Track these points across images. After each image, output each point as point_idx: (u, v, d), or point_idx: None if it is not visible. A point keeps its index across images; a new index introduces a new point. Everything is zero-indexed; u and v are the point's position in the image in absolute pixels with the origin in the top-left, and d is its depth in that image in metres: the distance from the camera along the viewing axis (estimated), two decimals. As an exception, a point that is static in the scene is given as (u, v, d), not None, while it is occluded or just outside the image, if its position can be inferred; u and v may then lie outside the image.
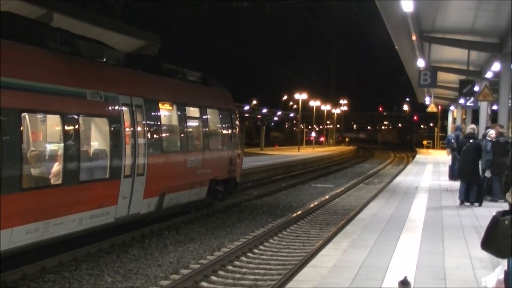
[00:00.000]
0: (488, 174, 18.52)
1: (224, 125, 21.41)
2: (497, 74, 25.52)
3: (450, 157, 27.49)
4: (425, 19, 22.58)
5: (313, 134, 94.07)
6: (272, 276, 12.41)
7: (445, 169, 29.78)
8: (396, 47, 29.73)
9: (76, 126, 12.79)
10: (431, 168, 36.69)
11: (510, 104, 25.48)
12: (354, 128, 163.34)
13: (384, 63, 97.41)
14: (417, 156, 57.68)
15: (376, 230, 13.41)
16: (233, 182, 21.96)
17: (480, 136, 20.42)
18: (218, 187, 20.56)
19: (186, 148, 18.23)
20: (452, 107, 54.75)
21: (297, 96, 72.52)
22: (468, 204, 17.74)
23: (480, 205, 17.60)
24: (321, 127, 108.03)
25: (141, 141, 15.31)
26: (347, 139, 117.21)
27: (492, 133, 18.75)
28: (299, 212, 20.56)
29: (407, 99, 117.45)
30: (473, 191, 17.73)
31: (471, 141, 17.82)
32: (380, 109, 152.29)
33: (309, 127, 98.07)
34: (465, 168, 17.96)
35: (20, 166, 11.03)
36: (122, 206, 14.47)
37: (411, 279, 8.94)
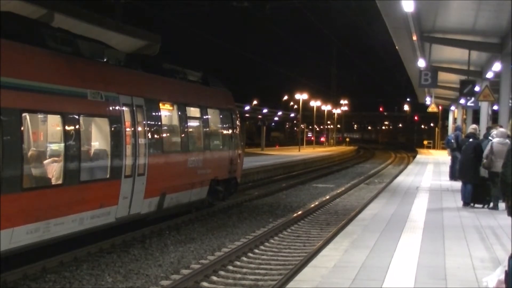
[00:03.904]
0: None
1: (224, 125, 21.41)
2: (497, 74, 25.54)
3: (450, 157, 27.47)
4: (425, 19, 22.58)
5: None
6: (272, 276, 12.40)
7: (446, 169, 29.76)
8: (396, 47, 29.75)
9: (77, 126, 12.80)
10: (431, 168, 36.67)
11: (510, 104, 25.48)
12: (355, 128, 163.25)
13: (384, 63, 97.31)
14: (418, 156, 57.61)
15: (376, 230, 13.40)
16: (233, 182, 21.96)
17: (481, 136, 20.35)
18: (219, 187, 20.56)
19: (187, 148, 18.24)
20: (452, 107, 54.73)
21: (298, 96, 72.49)
22: (472, 204, 17.62)
23: (484, 207, 17.39)
24: (321, 127, 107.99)
25: (142, 141, 15.31)
26: (347, 139, 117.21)
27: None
28: (299, 212, 20.55)
29: (408, 99, 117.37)
30: (468, 190, 17.66)
31: (470, 140, 17.81)
32: (381, 109, 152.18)
33: (310, 127, 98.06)
34: (462, 167, 17.94)
35: (21, 166, 11.03)
36: (123, 206, 14.48)
37: (411, 279, 8.95)
